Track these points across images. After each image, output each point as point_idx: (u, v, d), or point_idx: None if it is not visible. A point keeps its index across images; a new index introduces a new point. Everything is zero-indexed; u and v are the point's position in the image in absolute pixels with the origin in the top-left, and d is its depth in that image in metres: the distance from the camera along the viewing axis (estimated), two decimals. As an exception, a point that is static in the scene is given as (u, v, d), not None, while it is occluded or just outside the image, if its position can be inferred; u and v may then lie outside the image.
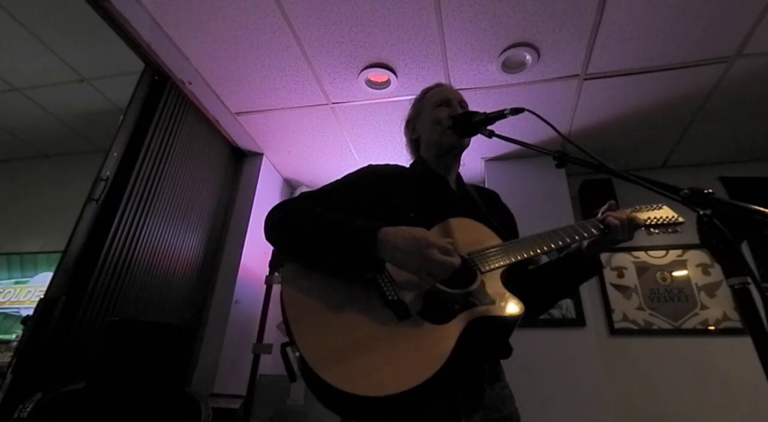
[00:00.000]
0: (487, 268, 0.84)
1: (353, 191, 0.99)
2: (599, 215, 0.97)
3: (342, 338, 0.74)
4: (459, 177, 1.15)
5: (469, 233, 0.93)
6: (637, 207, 1.03)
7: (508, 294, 0.82)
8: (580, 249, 0.99)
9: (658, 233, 1.01)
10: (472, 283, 0.81)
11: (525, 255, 0.87)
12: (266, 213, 0.93)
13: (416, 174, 1.10)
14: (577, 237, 0.92)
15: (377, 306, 0.78)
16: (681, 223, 1.00)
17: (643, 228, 0.99)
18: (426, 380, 0.68)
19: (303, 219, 0.87)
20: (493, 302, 0.80)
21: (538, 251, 0.88)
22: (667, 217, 1.00)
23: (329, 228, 0.83)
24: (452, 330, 0.75)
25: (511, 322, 0.80)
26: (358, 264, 0.80)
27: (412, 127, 1.19)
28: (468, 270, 0.83)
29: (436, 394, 0.72)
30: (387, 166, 1.09)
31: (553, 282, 1.04)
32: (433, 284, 0.78)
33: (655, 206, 1.04)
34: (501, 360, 0.94)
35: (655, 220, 0.99)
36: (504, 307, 0.80)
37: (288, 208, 0.92)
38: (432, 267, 0.75)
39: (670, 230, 1.01)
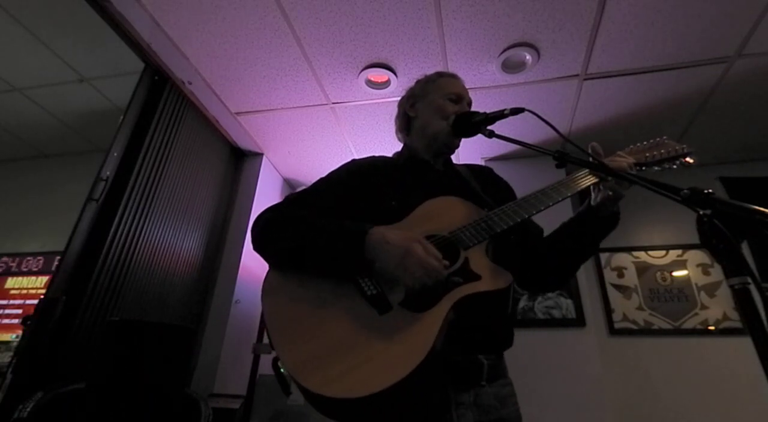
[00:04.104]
0: (470, 244, 0.79)
1: (335, 188, 0.99)
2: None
3: (324, 342, 0.71)
4: (448, 160, 1.11)
5: (452, 211, 0.87)
6: (631, 146, 0.93)
7: (493, 266, 0.77)
8: (590, 207, 0.93)
9: (660, 169, 0.89)
10: (454, 263, 0.77)
11: (510, 224, 0.81)
12: (252, 222, 0.92)
13: (400, 162, 1.07)
14: (569, 193, 0.88)
15: (361, 305, 0.75)
16: (690, 154, 0.87)
17: (642, 168, 0.89)
18: (409, 373, 0.63)
19: (287, 223, 0.87)
20: (478, 278, 0.75)
21: (525, 216, 0.82)
22: (670, 151, 0.87)
23: (315, 231, 0.82)
24: (436, 316, 0.70)
25: (501, 296, 0.74)
26: (345, 264, 0.78)
27: (412, 103, 1.12)
28: (451, 250, 0.79)
29: (424, 387, 0.69)
30: (370, 158, 1.08)
31: (570, 249, 0.96)
32: (409, 285, 0.73)
33: (652, 142, 0.91)
34: (504, 355, 0.89)
35: (655, 157, 0.89)
36: (490, 281, 0.74)
37: (271, 214, 0.92)
38: (415, 268, 0.71)
39: (675, 165, 0.88)
